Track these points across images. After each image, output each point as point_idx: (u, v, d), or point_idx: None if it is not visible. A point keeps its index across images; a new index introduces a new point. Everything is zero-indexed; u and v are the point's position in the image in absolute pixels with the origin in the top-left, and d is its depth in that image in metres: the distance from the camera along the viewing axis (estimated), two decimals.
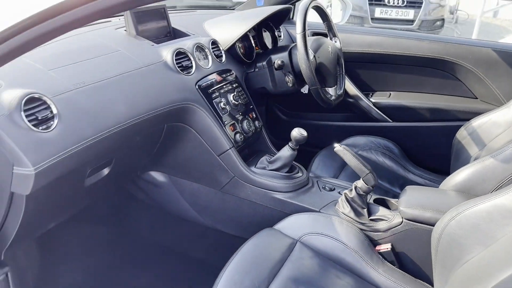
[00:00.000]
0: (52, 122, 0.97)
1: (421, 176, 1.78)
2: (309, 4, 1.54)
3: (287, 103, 2.19)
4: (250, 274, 1.08)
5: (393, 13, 5.98)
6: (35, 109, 0.95)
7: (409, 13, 5.95)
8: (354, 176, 1.51)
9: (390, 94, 2.02)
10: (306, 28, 1.48)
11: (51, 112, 0.98)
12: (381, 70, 2.02)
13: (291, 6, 1.91)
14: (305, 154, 1.74)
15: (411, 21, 5.99)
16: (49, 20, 0.68)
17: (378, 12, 6.00)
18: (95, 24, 1.46)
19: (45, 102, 0.97)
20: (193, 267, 1.63)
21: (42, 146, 0.93)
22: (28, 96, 0.94)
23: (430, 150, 1.90)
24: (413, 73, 1.95)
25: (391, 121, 1.98)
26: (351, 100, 2.03)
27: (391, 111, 1.97)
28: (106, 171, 1.24)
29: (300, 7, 1.53)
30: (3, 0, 0.73)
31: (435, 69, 1.89)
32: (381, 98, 2.01)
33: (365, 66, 2.04)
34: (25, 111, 0.93)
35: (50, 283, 1.46)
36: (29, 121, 0.93)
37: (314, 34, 2.02)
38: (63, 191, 1.12)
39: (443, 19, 6.23)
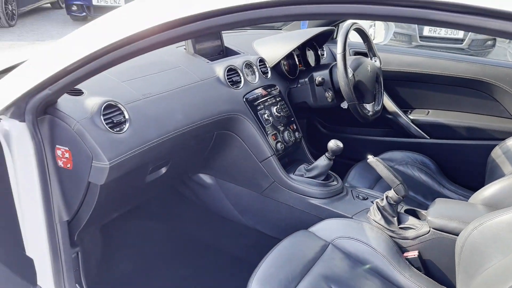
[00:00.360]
0: (124, 126, 1.16)
1: (455, 192, 1.83)
2: (350, 27, 1.67)
3: (328, 117, 2.31)
4: (284, 268, 1.20)
5: (442, 32, 5.94)
6: (111, 114, 1.15)
7: (459, 32, 5.87)
8: (388, 188, 1.60)
9: (429, 112, 2.10)
10: (346, 48, 1.62)
11: (124, 117, 1.17)
12: (420, 89, 2.10)
13: (333, 27, 2.04)
14: (342, 166, 1.85)
15: (460, 40, 5.92)
16: (132, 44, 0.86)
17: (427, 30, 5.97)
18: None
19: (119, 109, 1.17)
20: (233, 264, 1.76)
21: (116, 145, 1.12)
22: (106, 103, 1.14)
23: (466, 167, 1.95)
24: (451, 93, 2.02)
25: (428, 137, 2.05)
26: (390, 116, 2.12)
27: (428, 128, 2.05)
28: (163, 170, 1.42)
29: (342, 29, 1.67)
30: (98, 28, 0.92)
31: (472, 89, 1.95)
32: (420, 115, 2.09)
33: (405, 84, 2.13)
34: (103, 115, 1.12)
35: (107, 268, 1.65)
36: (106, 123, 1.12)
37: (356, 53, 2.14)
38: (128, 184, 1.31)
39: (494, 39, 6.09)
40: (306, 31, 1.91)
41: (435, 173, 1.90)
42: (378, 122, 2.14)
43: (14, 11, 7.27)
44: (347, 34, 1.64)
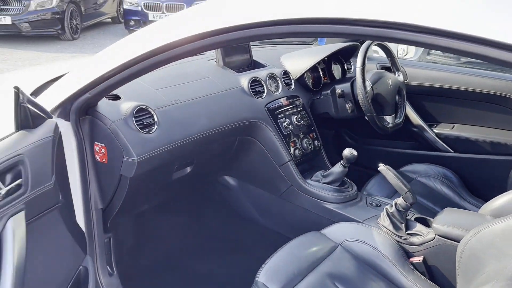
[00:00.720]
0: (153, 127, 1.33)
1: (476, 205, 1.84)
2: (371, 43, 1.77)
3: (355, 129, 2.38)
4: (291, 264, 1.29)
5: None
6: (142, 116, 1.32)
7: None
8: None
9: (454, 126, 2.12)
10: (366, 63, 1.71)
11: (153, 120, 1.34)
12: (445, 103, 2.13)
13: (357, 43, 2.13)
14: (367, 176, 1.92)
15: None
16: (154, 56, 1.01)
17: None
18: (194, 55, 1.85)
19: (150, 112, 1.34)
20: (251, 261, 1.87)
21: (145, 143, 1.29)
22: (138, 107, 1.31)
23: (488, 181, 1.95)
24: (476, 108, 2.04)
25: (452, 151, 2.07)
26: (415, 129, 2.17)
27: (453, 142, 2.07)
28: (188, 169, 1.58)
29: (363, 45, 1.77)
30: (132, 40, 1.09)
31: (497, 105, 1.96)
32: (445, 129, 2.12)
33: (430, 99, 2.17)
34: (135, 117, 1.30)
35: (137, 256, 1.81)
36: (137, 125, 1.30)
37: (383, 67, 2.21)
38: (156, 179, 1.48)
39: None
40: (330, 46, 2.03)
41: (456, 187, 1.93)
42: (403, 135, 2.19)
43: (77, 26, 7.90)
44: (367, 50, 1.74)
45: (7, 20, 6.82)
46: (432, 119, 2.18)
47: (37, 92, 1.37)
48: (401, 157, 2.20)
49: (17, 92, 0.96)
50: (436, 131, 2.12)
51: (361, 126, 2.29)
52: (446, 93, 2.09)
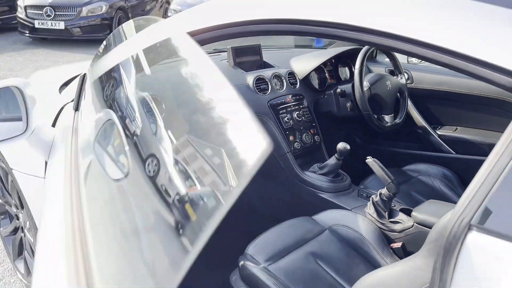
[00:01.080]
0: None
1: None
2: (370, 48, 1.90)
3: (364, 130, 2.49)
4: (279, 241, 1.44)
5: None
6: None
7: None
8: (404, 195, 1.76)
9: (457, 128, 2.19)
10: (364, 65, 1.84)
11: None
12: (448, 106, 2.21)
13: (360, 46, 2.25)
14: (371, 173, 2.03)
15: None
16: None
17: None
18: (210, 55, 2.05)
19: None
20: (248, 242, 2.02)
21: None
22: None
23: None
24: (478, 111, 2.10)
25: (454, 153, 2.14)
26: (419, 131, 2.26)
27: (455, 144, 2.14)
28: None
29: (362, 49, 1.90)
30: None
31: (498, 109, 2.02)
32: (448, 131, 2.19)
33: (435, 102, 2.25)
34: None
35: None
36: None
37: (390, 71, 2.31)
38: None
39: None
40: (334, 50, 2.17)
41: (455, 186, 2.00)
42: (408, 136, 2.28)
43: None
44: (366, 53, 1.87)
45: (61, 25, 7.40)
46: (436, 121, 2.26)
47: (66, 83, 1.62)
48: (405, 156, 2.29)
49: (83, 78, 1.18)
50: (439, 132, 2.20)
51: (369, 127, 2.40)
52: (450, 96, 2.17)
